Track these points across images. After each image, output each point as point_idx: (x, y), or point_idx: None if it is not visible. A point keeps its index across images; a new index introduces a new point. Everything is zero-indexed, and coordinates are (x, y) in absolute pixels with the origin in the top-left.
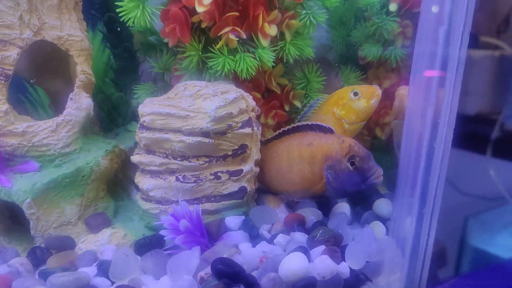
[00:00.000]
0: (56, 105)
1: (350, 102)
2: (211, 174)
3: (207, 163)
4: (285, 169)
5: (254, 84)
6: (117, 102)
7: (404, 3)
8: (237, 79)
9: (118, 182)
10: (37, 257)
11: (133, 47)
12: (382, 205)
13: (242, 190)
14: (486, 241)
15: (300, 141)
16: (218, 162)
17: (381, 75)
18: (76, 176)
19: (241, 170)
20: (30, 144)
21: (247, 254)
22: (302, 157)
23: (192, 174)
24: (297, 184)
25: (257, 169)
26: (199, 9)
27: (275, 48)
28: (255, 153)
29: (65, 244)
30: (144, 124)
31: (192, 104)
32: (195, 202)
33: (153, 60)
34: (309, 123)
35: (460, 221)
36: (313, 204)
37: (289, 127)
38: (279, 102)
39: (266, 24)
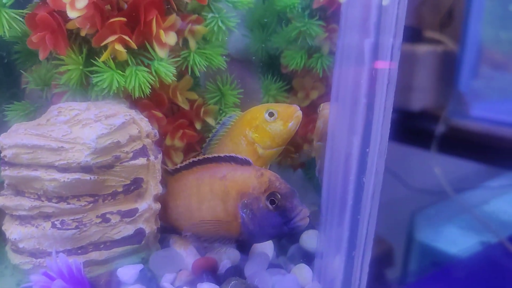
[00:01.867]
0: None
1: (265, 124)
2: (97, 217)
3: (91, 204)
4: (195, 206)
5: (155, 100)
6: None
7: (330, 4)
8: (131, 97)
9: None
10: None
11: (10, 55)
12: (310, 238)
13: (139, 232)
14: (431, 237)
15: (213, 173)
16: (106, 201)
17: (308, 85)
18: None
19: (136, 209)
20: None
21: None
22: (214, 192)
23: (72, 218)
24: (211, 228)
25: (157, 206)
26: (72, 14)
27: (175, 59)
28: (153, 187)
29: None
30: (6, 159)
31: (67, 133)
32: (79, 252)
33: (29, 73)
34: (222, 155)
35: (406, 216)
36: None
37: (200, 158)
38: (188, 120)
39: (161, 31)
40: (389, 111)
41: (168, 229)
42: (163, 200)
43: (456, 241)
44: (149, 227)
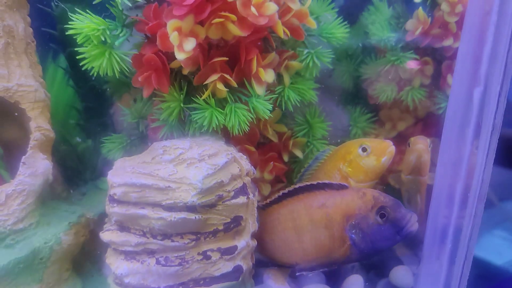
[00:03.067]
0: (11, 157)
1: (358, 158)
2: (199, 254)
3: (193, 242)
4: (293, 239)
5: (248, 134)
6: (83, 153)
7: (424, 36)
8: (226, 132)
9: (86, 254)
10: None
11: (101, 85)
12: (400, 274)
13: (238, 270)
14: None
15: (309, 203)
16: (207, 239)
17: (395, 116)
18: (32, 259)
19: (235, 247)
20: None
21: None
22: (314, 221)
23: (176, 255)
24: (311, 254)
25: (253, 243)
26: (180, 56)
27: (272, 95)
28: (251, 224)
29: None
30: (115, 197)
31: (173, 173)
32: (181, 287)
33: (125, 106)
34: (315, 182)
35: None
36: (321, 277)
37: (290, 189)
38: (277, 153)
39: (261, 70)
40: (491, 158)
41: (262, 262)
42: (256, 234)
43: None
44: (246, 263)
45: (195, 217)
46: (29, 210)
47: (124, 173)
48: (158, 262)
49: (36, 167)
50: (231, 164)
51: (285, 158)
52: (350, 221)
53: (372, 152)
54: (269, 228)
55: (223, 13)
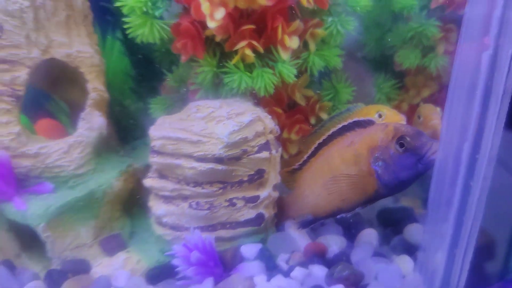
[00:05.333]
0: (74, 114)
1: None
2: (226, 201)
3: (221, 190)
4: (331, 183)
5: (276, 97)
6: (135, 113)
7: (449, 3)
8: (256, 95)
9: (134, 200)
10: (54, 281)
11: (152, 54)
12: (413, 231)
13: (260, 217)
14: None
15: (340, 145)
16: (233, 188)
17: (420, 83)
18: (90, 199)
19: (258, 197)
20: (44, 166)
21: None
22: (345, 161)
23: (205, 200)
24: (348, 194)
25: (275, 194)
26: (211, 24)
27: (297, 61)
28: (273, 177)
29: (81, 267)
30: (155, 148)
31: (204, 128)
32: (210, 229)
33: (169, 72)
34: (346, 123)
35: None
36: (338, 230)
37: (324, 137)
38: (304, 116)
39: (286, 37)
40: (502, 121)
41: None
42: (295, 194)
43: None
44: (268, 212)
45: (222, 167)
46: (87, 159)
47: (163, 128)
48: (190, 206)
49: (92, 122)
50: (256, 122)
51: (312, 120)
52: (374, 153)
53: (386, 120)
54: (310, 183)
55: None
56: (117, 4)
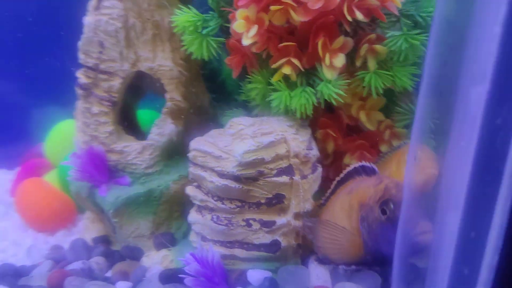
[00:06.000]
0: None
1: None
2: (243, 220)
3: (239, 208)
4: (323, 230)
5: (334, 119)
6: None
7: None
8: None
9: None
10: (112, 260)
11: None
12: None
13: (275, 244)
14: None
15: (342, 191)
16: (251, 209)
17: None
18: (149, 196)
19: (274, 222)
20: (126, 162)
21: None
22: (342, 209)
23: (224, 216)
24: (338, 247)
25: (297, 223)
26: (245, 41)
27: (345, 81)
28: (295, 205)
29: (134, 254)
30: (190, 158)
31: (228, 144)
32: (228, 245)
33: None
34: (352, 166)
35: None
36: (371, 281)
37: (342, 175)
38: (372, 141)
39: (327, 54)
40: None
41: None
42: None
43: None
44: (287, 241)
45: (237, 186)
46: (155, 160)
47: (199, 140)
48: (212, 219)
49: (164, 128)
50: (279, 144)
51: (383, 148)
52: (362, 211)
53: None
54: (320, 221)
55: (283, 0)
56: (172, 24)
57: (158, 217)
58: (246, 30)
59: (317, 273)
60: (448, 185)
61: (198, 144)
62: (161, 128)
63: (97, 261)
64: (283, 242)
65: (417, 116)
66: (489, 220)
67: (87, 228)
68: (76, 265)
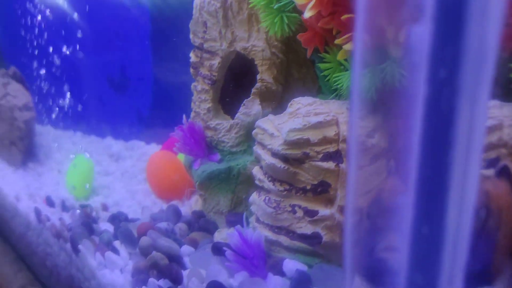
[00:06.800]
0: None
1: None
2: (289, 205)
3: (286, 191)
4: None
5: None
6: None
7: None
8: None
9: None
10: (193, 229)
11: None
12: None
13: (315, 236)
14: None
15: None
16: (298, 194)
17: None
18: (229, 174)
19: (317, 212)
20: (217, 139)
21: None
22: None
23: (274, 199)
24: None
25: (341, 218)
26: (306, 14)
27: None
28: (340, 197)
29: (209, 227)
30: (253, 135)
31: (282, 122)
32: (276, 230)
33: None
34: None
35: None
36: None
37: None
38: None
39: None
40: None
41: None
42: None
43: None
44: (330, 236)
45: (282, 166)
46: (241, 140)
47: (265, 118)
48: (264, 200)
49: (251, 109)
50: (328, 126)
51: None
52: None
53: None
54: None
55: None
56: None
57: (236, 196)
58: (306, 1)
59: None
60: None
61: (261, 122)
62: (248, 108)
63: (180, 227)
64: (325, 236)
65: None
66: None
67: (196, 202)
68: (163, 225)
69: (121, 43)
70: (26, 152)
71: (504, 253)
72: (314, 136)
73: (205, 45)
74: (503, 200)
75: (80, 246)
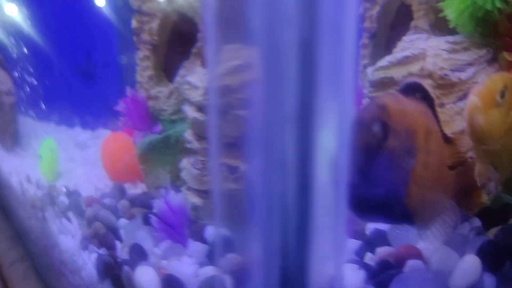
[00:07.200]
0: None
1: None
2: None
3: None
4: None
5: None
6: None
7: None
8: None
9: None
10: (133, 205)
11: None
12: None
13: None
14: None
15: None
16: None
17: None
18: (166, 142)
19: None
20: (159, 108)
21: None
22: None
23: (200, 159)
24: None
25: None
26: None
27: None
28: None
29: (148, 202)
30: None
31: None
32: (203, 195)
33: None
34: None
35: None
36: None
37: None
38: None
39: None
40: None
41: None
42: None
43: None
44: None
45: (203, 119)
46: (179, 106)
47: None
48: (192, 163)
49: (193, 72)
50: (415, 61)
51: None
52: None
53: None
54: None
55: None
56: None
57: (175, 168)
58: None
59: None
60: None
61: (189, 76)
62: (188, 70)
63: (123, 204)
64: None
65: None
66: None
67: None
68: (108, 200)
69: (86, 28)
70: (14, 137)
71: (427, 187)
72: (399, 73)
73: (144, 7)
74: (416, 121)
75: (46, 214)
